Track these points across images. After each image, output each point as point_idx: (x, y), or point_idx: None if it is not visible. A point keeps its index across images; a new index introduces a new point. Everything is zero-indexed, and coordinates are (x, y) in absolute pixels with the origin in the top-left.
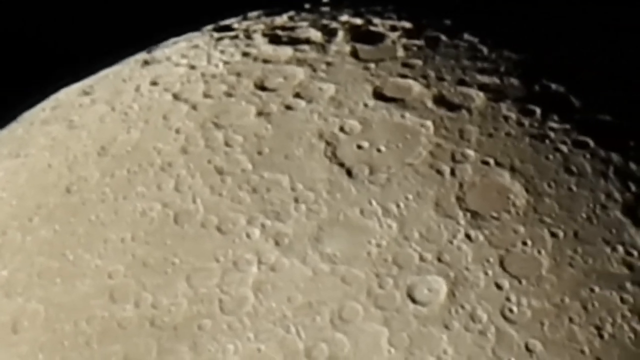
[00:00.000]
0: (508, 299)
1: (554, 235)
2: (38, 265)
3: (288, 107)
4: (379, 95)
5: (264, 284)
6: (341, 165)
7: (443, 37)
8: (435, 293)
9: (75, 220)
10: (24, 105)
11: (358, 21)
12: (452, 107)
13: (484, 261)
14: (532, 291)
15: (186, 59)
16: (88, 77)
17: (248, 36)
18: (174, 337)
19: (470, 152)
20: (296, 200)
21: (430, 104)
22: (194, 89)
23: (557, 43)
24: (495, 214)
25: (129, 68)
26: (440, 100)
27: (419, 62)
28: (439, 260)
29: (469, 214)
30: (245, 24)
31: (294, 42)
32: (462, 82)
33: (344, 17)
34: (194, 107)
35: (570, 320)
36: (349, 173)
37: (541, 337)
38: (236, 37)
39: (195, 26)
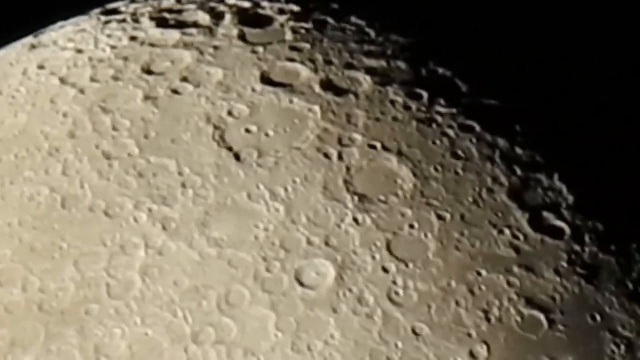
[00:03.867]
0: (395, 283)
1: (441, 218)
2: None
3: (175, 92)
4: (267, 79)
5: (151, 268)
6: (229, 149)
7: (331, 21)
8: (322, 277)
9: None
10: None
11: (246, 4)
12: (339, 91)
13: (372, 245)
14: (418, 274)
15: (73, 43)
16: None
17: (136, 20)
18: (61, 321)
19: (358, 137)
20: (183, 185)
21: (317, 88)
22: (81, 73)
23: (444, 27)
24: (382, 198)
25: (16, 52)
26: (327, 85)
27: (307, 46)
28: (327, 244)
29: (356, 198)
30: (132, 7)
31: (181, 25)
32: (349, 66)
33: (232, 0)
34: (82, 92)
35: (457, 303)
36: (237, 157)
37: (428, 320)
38: (124, 20)
39: (83, 10)
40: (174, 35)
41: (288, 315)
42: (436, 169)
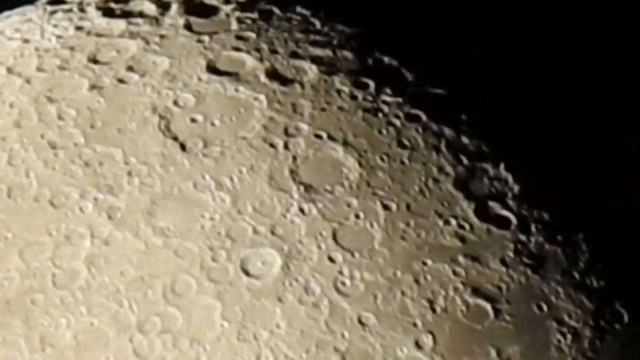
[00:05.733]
0: (341, 272)
1: (386, 208)
2: None
3: (121, 81)
4: (212, 68)
5: (96, 258)
6: (175, 138)
7: (276, 10)
8: (268, 266)
9: None
10: None
11: None
12: (285, 81)
13: (317, 234)
14: (364, 264)
15: (19, 33)
16: None
17: (82, 9)
18: (6, 311)
19: (304, 126)
20: (129, 174)
21: (263, 77)
22: (27, 63)
23: (390, 17)
24: (328, 188)
25: None
26: (273, 74)
27: (253, 35)
28: (273, 233)
29: (302, 188)
30: None
31: (127, 15)
32: (295, 55)
33: None
34: (28, 81)
35: (403, 293)
36: (182, 147)
37: (374, 310)
38: (70, 10)
39: (29, 0)
40: (120, 24)
41: (234, 304)
42: (382, 159)
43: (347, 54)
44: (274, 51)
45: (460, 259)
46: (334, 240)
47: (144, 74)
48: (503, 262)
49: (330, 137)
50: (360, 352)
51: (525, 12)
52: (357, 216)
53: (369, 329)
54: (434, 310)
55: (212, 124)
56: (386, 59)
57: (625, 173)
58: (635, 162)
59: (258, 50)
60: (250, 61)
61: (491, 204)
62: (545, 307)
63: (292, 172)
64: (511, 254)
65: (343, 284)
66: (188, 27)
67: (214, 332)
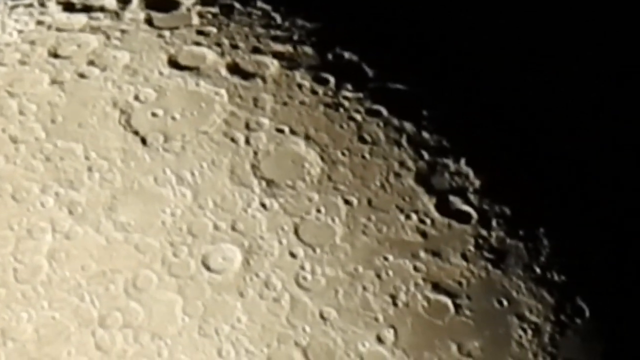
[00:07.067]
0: (302, 267)
1: (348, 203)
2: None
3: (82, 76)
4: (173, 63)
5: (58, 253)
6: (136, 133)
7: (237, 5)
8: (229, 261)
9: None
10: None
11: None
12: (246, 75)
13: (279, 229)
14: (326, 259)
15: None
16: None
17: (42, 4)
18: None
19: (265, 121)
20: (90, 169)
21: (224, 72)
22: None
23: (350, 12)
24: (290, 182)
25: None
26: (234, 69)
27: (214, 30)
28: (234, 228)
29: (263, 182)
30: None
31: (88, 9)
32: (256, 50)
33: None
34: None
35: (364, 288)
36: (143, 141)
37: (335, 305)
38: (31, 5)
39: None
40: (81, 19)
41: (195, 299)
42: (343, 153)
43: (308, 49)
44: (235, 46)
45: (422, 254)
46: (296, 235)
47: (105, 68)
48: (464, 257)
49: (292, 132)
50: (322, 346)
51: (484, 6)
52: (319, 211)
53: (330, 324)
54: (395, 305)
55: (173, 119)
56: (347, 55)
57: (586, 166)
58: (596, 155)
59: (219, 44)
60: (211, 56)
61: (452, 198)
62: (506, 302)
63: (253, 166)
64: (472, 249)
65: (304, 278)
66: (149, 21)
67: (175, 326)
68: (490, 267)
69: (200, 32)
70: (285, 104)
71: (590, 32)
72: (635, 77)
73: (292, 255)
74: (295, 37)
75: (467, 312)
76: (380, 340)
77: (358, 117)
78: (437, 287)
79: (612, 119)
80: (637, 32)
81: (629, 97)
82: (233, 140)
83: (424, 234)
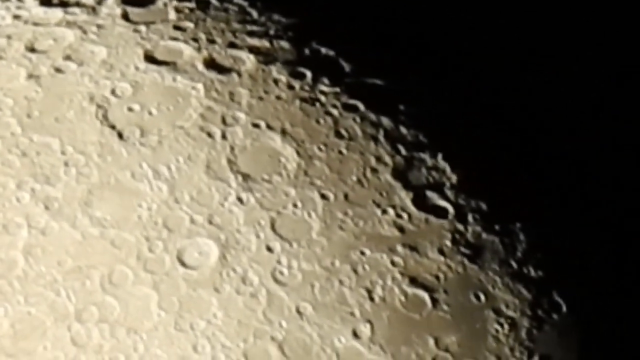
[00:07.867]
0: (279, 262)
1: (324, 197)
2: None
3: (58, 70)
4: (150, 58)
5: (34, 248)
6: (112, 128)
7: (213, 0)
8: (205, 256)
9: None
10: None
11: None
12: (222, 70)
13: (255, 224)
14: (302, 254)
15: None
16: None
17: None
18: None
19: (241, 115)
20: (66, 164)
21: (201, 67)
22: None
23: (327, 7)
24: (266, 177)
25: None
26: (210, 64)
27: (190, 25)
28: (210, 223)
29: (240, 177)
30: None
31: (64, 4)
32: (232, 45)
33: None
34: None
35: (341, 282)
36: (120, 136)
37: (312, 299)
38: None
39: None
40: (57, 13)
41: (170, 294)
42: (320, 148)
43: (285, 44)
44: (211, 41)
45: (399, 248)
46: (272, 230)
47: (82, 63)
48: (441, 251)
49: (268, 127)
50: (298, 341)
51: (484, 6)
52: (295, 205)
53: (306, 319)
54: (372, 300)
55: (150, 113)
56: (323, 50)
57: (563, 162)
58: (596, 155)
59: (196, 39)
60: (187, 51)
61: (429, 193)
62: (482, 297)
63: (229, 161)
64: (449, 244)
65: (281, 273)
66: (125, 16)
67: (151, 321)
68: (467, 262)
69: (176, 27)
70: (261, 98)
71: (590, 32)
72: (635, 77)
73: (269, 249)
74: (272, 32)
75: (444, 307)
76: (356, 335)
77: (335, 112)
78: (414, 282)
79: (612, 119)
80: (637, 32)
81: (629, 97)
82: (209, 134)
83: (401, 229)
